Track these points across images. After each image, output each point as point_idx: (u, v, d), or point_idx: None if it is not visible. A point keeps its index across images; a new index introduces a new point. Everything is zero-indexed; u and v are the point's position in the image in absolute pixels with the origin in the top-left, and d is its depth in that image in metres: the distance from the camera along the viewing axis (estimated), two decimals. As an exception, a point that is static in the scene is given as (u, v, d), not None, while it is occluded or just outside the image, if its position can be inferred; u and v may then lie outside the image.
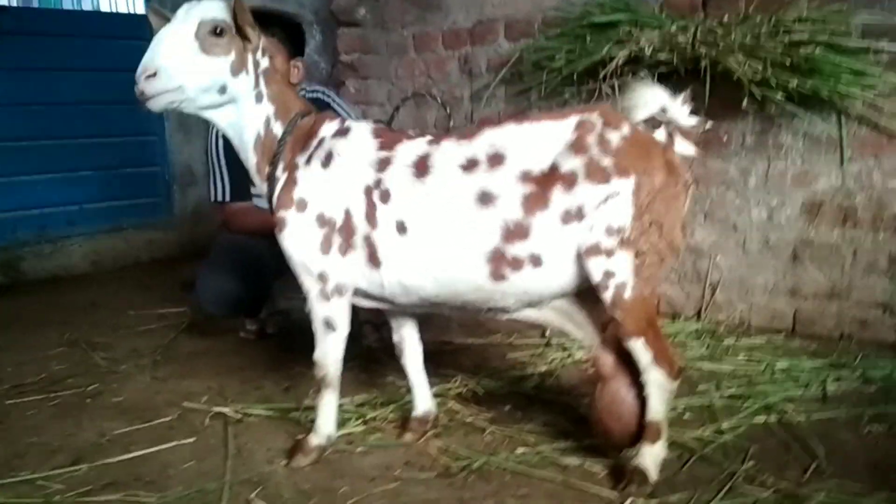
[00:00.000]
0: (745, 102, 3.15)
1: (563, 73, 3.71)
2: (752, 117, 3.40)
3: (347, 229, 2.20)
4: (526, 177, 2.03)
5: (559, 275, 2.08)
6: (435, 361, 2.84)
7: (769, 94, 3.10)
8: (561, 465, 2.28)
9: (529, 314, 2.20)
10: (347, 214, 2.19)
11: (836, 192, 3.27)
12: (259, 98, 2.27)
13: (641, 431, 2.12)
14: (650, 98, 2.02)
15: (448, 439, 2.49)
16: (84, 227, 5.53)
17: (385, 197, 2.15)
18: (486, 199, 2.05)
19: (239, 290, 3.34)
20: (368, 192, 2.17)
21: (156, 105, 2.13)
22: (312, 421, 2.43)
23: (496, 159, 2.06)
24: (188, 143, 6.06)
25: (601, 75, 3.53)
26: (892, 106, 3.08)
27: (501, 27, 4.16)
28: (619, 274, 2.00)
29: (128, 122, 5.70)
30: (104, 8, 7.41)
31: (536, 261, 2.05)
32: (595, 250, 1.99)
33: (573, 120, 2.04)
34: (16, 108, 5.20)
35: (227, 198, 3.45)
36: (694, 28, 3.27)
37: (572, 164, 1.99)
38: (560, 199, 2.00)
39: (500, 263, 2.06)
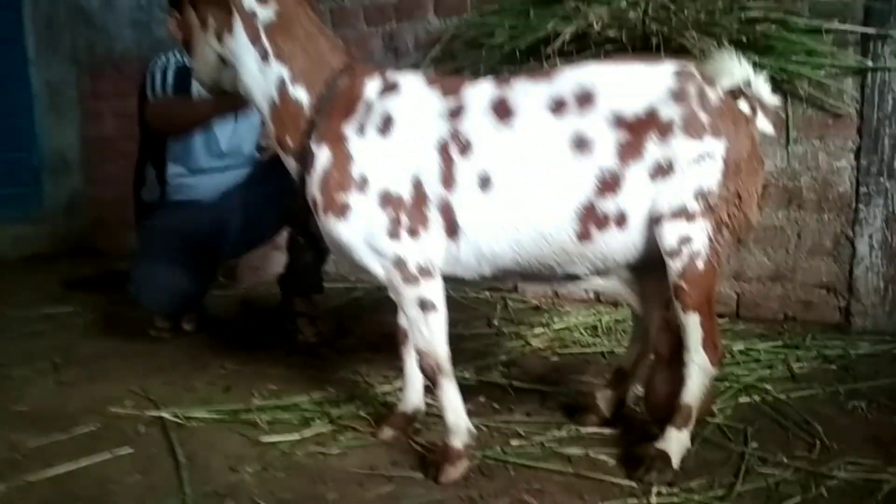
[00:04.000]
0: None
1: (503, 51, 3.53)
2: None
3: (418, 202, 1.90)
4: (619, 121, 1.83)
5: (637, 237, 1.89)
6: (386, 353, 2.58)
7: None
8: (564, 456, 2.09)
9: (598, 283, 2.01)
10: (417, 184, 1.90)
11: (782, 173, 3.27)
12: (264, 56, 1.98)
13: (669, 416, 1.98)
14: (736, 68, 1.88)
15: (430, 434, 2.23)
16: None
17: (465, 148, 1.87)
18: (581, 144, 1.83)
19: (185, 283, 2.94)
20: (444, 147, 1.88)
21: None
22: (272, 422, 2.14)
23: (585, 99, 1.85)
24: (61, 126, 5.45)
25: (545, 53, 3.38)
26: (838, 86, 3.10)
27: (430, 2, 3.94)
28: (695, 241, 1.84)
29: (-10, 102, 5.07)
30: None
31: (621, 219, 1.86)
32: (677, 213, 1.83)
33: (671, 66, 1.88)
34: None
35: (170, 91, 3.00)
36: (645, 4, 3.18)
37: (672, 112, 1.82)
38: (653, 149, 1.83)
39: (588, 220, 1.86)
